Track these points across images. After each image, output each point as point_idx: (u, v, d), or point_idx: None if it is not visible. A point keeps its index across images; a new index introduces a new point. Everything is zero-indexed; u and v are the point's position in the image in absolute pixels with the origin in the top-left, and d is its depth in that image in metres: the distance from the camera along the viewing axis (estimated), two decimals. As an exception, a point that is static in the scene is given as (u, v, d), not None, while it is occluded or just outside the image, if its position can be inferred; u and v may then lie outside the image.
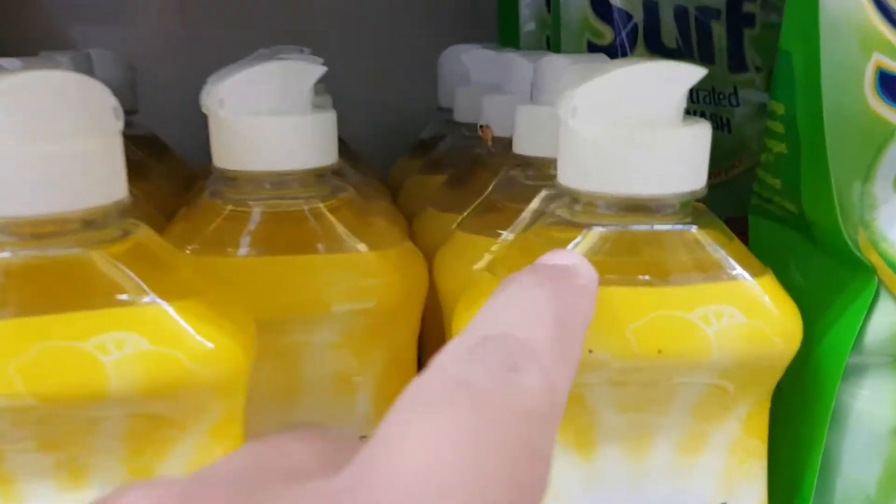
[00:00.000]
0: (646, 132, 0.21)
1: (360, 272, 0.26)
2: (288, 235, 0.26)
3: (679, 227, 0.22)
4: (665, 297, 0.21)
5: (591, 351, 0.21)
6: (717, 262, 0.22)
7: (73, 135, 0.19)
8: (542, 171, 0.28)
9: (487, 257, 0.27)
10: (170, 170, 0.41)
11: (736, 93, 0.40)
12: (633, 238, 0.22)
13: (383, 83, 0.53)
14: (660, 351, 0.21)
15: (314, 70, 0.26)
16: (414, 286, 0.27)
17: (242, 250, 0.26)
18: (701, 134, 0.21)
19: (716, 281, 0.21)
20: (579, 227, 0.22)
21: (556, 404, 0.14)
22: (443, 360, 0.14)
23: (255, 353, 0.22)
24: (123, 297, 0.20)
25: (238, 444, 0.23)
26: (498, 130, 0.32)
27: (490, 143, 0.32)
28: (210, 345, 0.20)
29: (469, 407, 0.12)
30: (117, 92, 0.20)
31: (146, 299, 0.20)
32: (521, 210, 0.27)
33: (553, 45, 0.42)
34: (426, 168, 0.39)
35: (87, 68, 0.38)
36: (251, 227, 0.26)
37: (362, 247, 0.26)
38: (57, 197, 0.19)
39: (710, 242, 0.22)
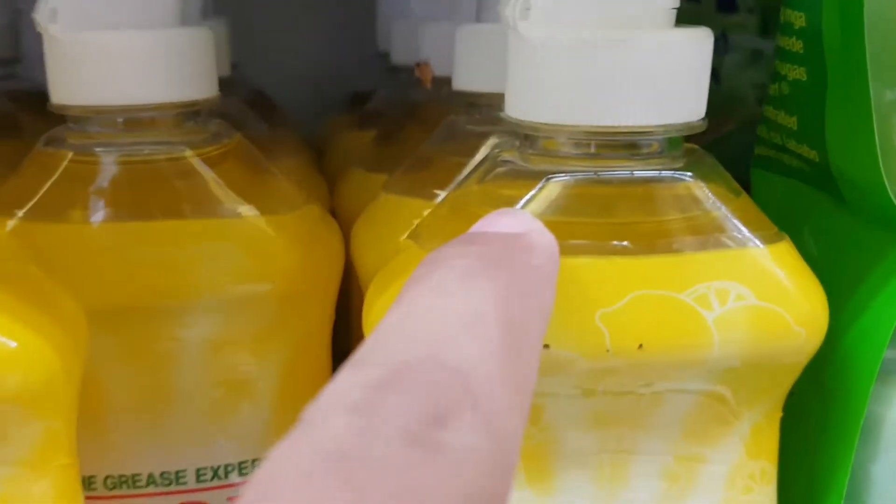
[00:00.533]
0: (623, 37, 0.15)
1: (247, 244, 0.20)
2: (148, 194, 0.20)
3: (668, 173, 0.16)
4: (649, 270, 0.15)
5: (547, 346, 0.15)
6: (718, 222, 0.16)
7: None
8: (490, 112, 0.21)
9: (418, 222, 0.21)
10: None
11: (725, 37, 0.34)
12: (606, 190, 0.16)
13: (314, 26, 0.45)
14: (641, 346, 0.15)
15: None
16: (323, 262, 0.21)
17: (86, 215, 0.19)
18: (698, 43, 0.15)
19: (717, 248, 0.16)
20: (533, 176, 0.16)
21: (505, 468, 0.10)
22: (324, 408, 0.09)
23: (83, 355, 0.16)
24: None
25: (69, 483, 0.16)
26: (440, 69, 0.26)
27: (429, 83, 0.26)
28: (12, 343, 0.14)
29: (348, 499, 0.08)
30: None
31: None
32: (465, 164, 0.21)
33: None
34: (358, 124, 0.33)
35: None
36: (99, 183, 0.19)
37: (249, 210, 0.20)
38: None
39: (709, 196, 0.16)
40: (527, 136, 0.16)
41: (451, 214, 0.17)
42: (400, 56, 0.32)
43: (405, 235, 0.21)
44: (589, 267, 0.15)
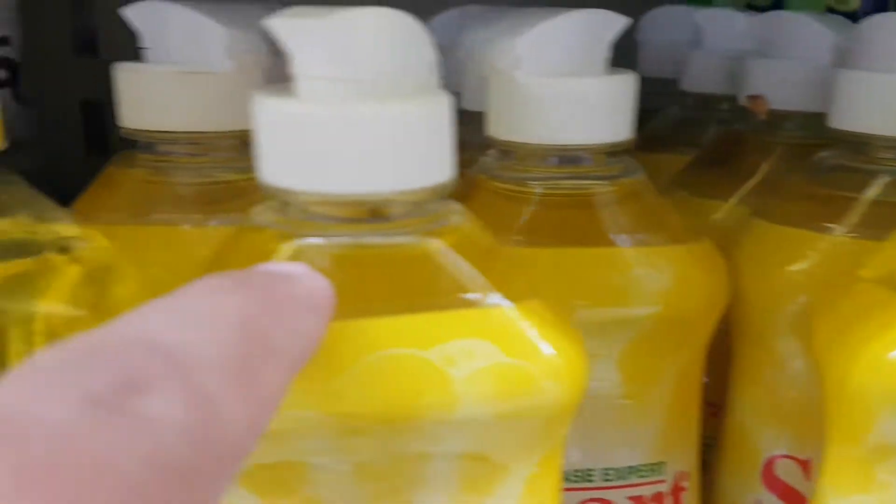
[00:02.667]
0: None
1: (663, 268, 0.22)
2: (573, 224, 0.22)
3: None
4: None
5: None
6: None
7: (405, 96, 0.15)
8: (871, 152, 0.23)
9: (813, 257, 0.22)
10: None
11: None
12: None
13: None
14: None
15: (617, 22, 0.21)
16: (718, 288, 0.23)
17: (519, 239, 0.21)
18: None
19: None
20: None
21: (215, 444, 0.09)
22: (8, 378, 0.09)
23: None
24: (470, 296, 0.16)
25: (559, 479, 0.18)
26: (774, 102, 0.27)
27: (764, 115, 0.27)
28: (560, 355, 0.16)
29: (4, 461, 0.07)
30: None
31: (490, 300, 0.16)
32: (851, 199, 0.22)
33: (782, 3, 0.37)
34: (644, 145, 0.34)
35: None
36: (531, 211, 0.22)
37: (665, 239, 0.22)
38: (389, 174, 0.15)
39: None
40: None
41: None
42: (694, 83, 0.33)
43: (797, 265, 0.23)
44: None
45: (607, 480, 0.23)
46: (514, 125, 0.21)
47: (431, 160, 0.15)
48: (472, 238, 0.17)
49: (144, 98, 0.21)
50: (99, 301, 0.18)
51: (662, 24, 0.37)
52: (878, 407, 0.17)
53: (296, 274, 0.13)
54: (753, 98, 0.28)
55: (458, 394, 0.15)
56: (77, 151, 0.43)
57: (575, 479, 0.22)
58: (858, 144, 0.23)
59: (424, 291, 0.16)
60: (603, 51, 0.21)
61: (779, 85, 0.27)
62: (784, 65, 0.27)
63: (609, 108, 0.21)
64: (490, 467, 0.16)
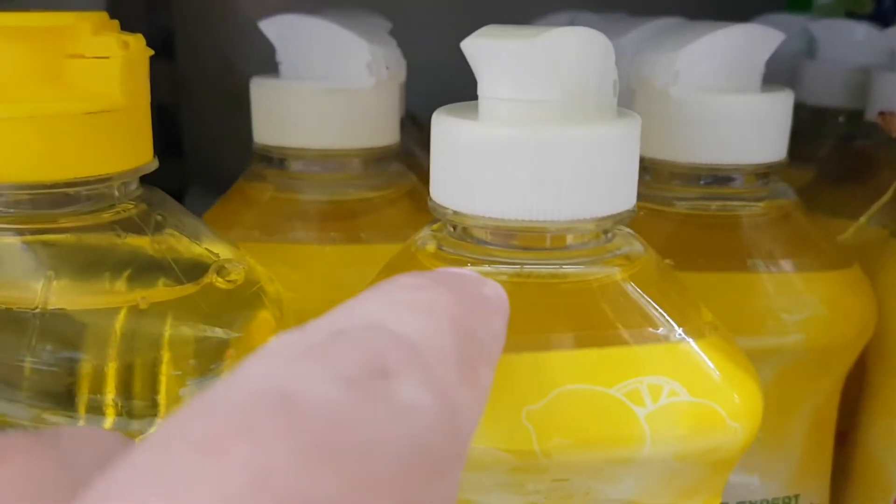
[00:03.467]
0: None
1: (810, 296, 0.21)
2: (714, 245, 0.21)
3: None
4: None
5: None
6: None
7: (591, 119, 0.14)
8: None
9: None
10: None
11: None
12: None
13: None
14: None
15: (772, 38, 0.20)
16: (868, 316, 0.22)
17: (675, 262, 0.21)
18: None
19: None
20: None
21: (453, 436, 0.09)
22: (260, 359, 0.09)
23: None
24: (657, 331, 0.15)
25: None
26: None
27: (895, 133, 0.26)
28: (744, 397, 0.15)
29: (284, 438, 0.07)
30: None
31: (676, 335, 0.15)
32: None
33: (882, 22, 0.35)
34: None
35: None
36: (675, 234, 0.21)
37: (820, 264, 0.21)
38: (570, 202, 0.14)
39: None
40: None
41: None
42: (807, 97, 0.32)
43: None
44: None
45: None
46: (665, 142, 0.20)
47: (615, 188, 0.15)
48: (652, 268, 0.16)
49: (280, 113, 0.21)
50: (250, 323, 0.18)
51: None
52: None
53: (478, 278, 0.13)
54: (884, 115, 0.27)
55: (642, 433, 0.14)
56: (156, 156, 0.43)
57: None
58: None
59: (608, 325, 0.15)
60: (759, 68, 0.21)
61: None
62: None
63: (763, 127, 0.20)
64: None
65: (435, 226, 0.16)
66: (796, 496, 0.22)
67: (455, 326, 0.10)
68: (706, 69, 0.20)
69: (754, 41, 0.20)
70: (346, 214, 0.21)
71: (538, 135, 0.14)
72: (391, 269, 0.17)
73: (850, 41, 0.31)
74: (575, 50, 0.14)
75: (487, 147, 0.14)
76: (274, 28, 0.21)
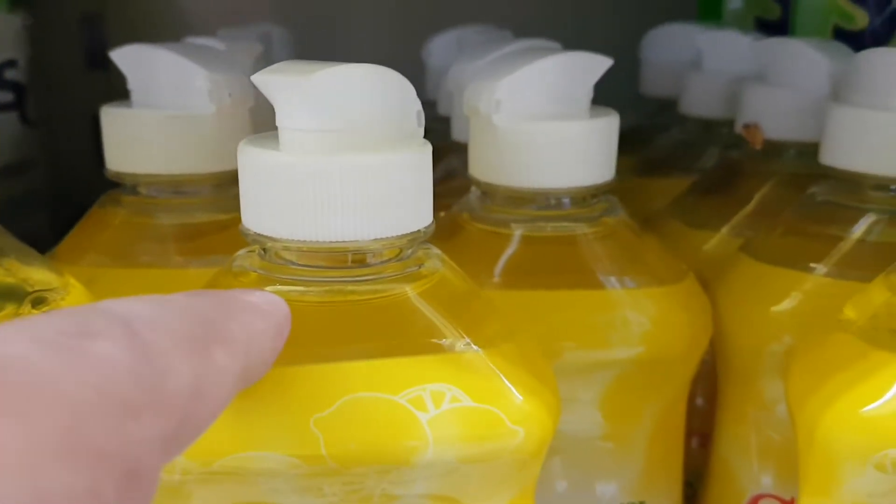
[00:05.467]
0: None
1: (643, 311, 0.22)
2: (547, 265, 0.22)
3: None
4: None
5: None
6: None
7: (391, 146, 0.15)
8: (861, 189, 0.22)
9: (794, 297, 0.22)
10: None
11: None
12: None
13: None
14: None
15: (599, 64, 0.21)
16: (699, 330, 0.23)
17: (501, 281, 0.21)
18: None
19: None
20: None
21: (157, 390, 0.10)
22: None
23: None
24: (440, 341, 0.16)
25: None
26: (770, 131, 0.27)
27: (759, 145, 0.27)
28: (529, 401, 0.16)
29: None
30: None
31: (461, 345, 0.16)
32: (837, 238, 0.22)
33: (786, 28, 0.36)
34: (642, 169, 0.34)
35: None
36: (511, 253, 0.22)
37: (645, 281, 0.22)
38: (368, 223, 0.15)
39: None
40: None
41: (889, 305, 0.18)
42: (692, 106, 0.33)
43: (780, 306, 0.23)
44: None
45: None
46: (494, 168, 0.21)
47: (408, 209, 0.16)
48: (448, 283, 0.17)
49: (128, 141, 0.22)
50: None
51: (664, 44, 0.36)
52: (847, 462, 0.17)
53: (253, 290, 0.15)
54: (748, 126, 0.27)
55: (424, 437, 0.15)
56: (89, 166, 0.44)
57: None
58: (848, 182, 0.23)
59: (396, 336, 0.16)
60: (585, 93, 0.21)
61: (775, 113, 0.27)
62: (780, 93, 0.26)
63: (589, 152, 0.21)
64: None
65: (250, 248, 0.17)
66: (641, 503, 0.23)
67: (185, 312, 0.12)
68: (528, 97, 0.20)
69: (578, 68, 0.21)
70: (196, 237, 0.22)
71: (322, 162, 0.15)
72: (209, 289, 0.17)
73: (734, 53, 0.32)
74: (357, 85, 0.15)
75: (282, 174, 0.15)
76: (124, 57, 0.22)
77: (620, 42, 0.39)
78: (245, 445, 0.15)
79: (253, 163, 0.16)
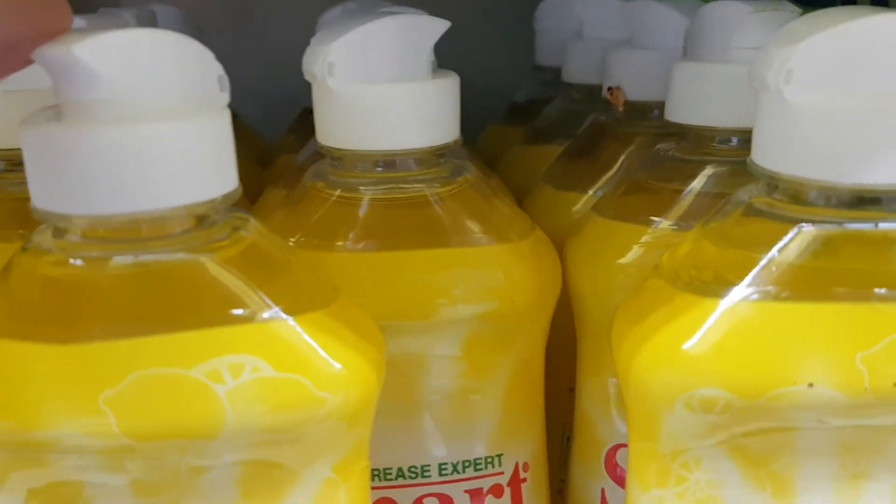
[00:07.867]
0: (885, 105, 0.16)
1: (490, 268, 0.22)
2: (401, 227, 0.22)
3: None
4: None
5: (810, 385, 0.16)
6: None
7: (177, 113, 0.15)
8: (702, 143, 0.23)
9: (637, 250, 0.23)
10: (241, 143, 0.37)
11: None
12: (852, 239, 0.17)
13: (470, 40, 0.47)
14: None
15: (436, 26, 0.21)
16: (546, 284, 0.23)
17: (352, 244, 0.22)
18: None
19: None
20: (786, 221, 0.17)
21: None
22: None
23: (384, 372, 0.18)
24: (241, 312, 0.16)
25: (365, 483, 0.19)
26: (632, 93, 0.28)
27: (621, 107, 0.28)
28: (338, 366, 0.16)
29: None
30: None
31: (267, 314, 0.16)
32: (678, 191, 0.23)
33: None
34: (531, 137, 0.35)
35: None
36: (361, 216, 0.22)
37: (492, 239, 0.22)
38: (157, 192, 0.15)
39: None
40: (774, 185, 0.18)
41: (695, 250, 0.19)
42: (574, 75, 0.33)
43: (624, 259, 0.23)
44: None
45: (443, 475, 0.23)
46: (336, 132, 0.21)
47: (202, 176, 0.16)
48: (257, 251, 0.17)
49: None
50: None
51: (553, 13, 0.37)
52: (659, 404, 0.18)
53: None
54: (611, 90, 0.28)
55: (222, 410, 0.15)
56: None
57: (411, 475, 0.23)
58: (692, 136, 0.23)
59: (195, 309, 0.16)
60: (424, 55, 0.22)
61: (636, 75, 0.27)
62: (640, 55, 0.27)
63: (429, 112, 0.21)
64: (279, 473, 0.17)
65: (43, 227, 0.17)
66: (499, 455, 0.24)
67: None
68: (363, 59, 0.21)
69: (413, 30, 0.21)
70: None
71: (103, 132, 0.15)
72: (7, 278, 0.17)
73: (611, 19, 0.32)
74: (139, 51, 0.15)
75: (71, 147, 0.15)
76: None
77: (521, 13, 0.40)
78: (37, 424, 0.15)
79: (35, 139, 0.15)
